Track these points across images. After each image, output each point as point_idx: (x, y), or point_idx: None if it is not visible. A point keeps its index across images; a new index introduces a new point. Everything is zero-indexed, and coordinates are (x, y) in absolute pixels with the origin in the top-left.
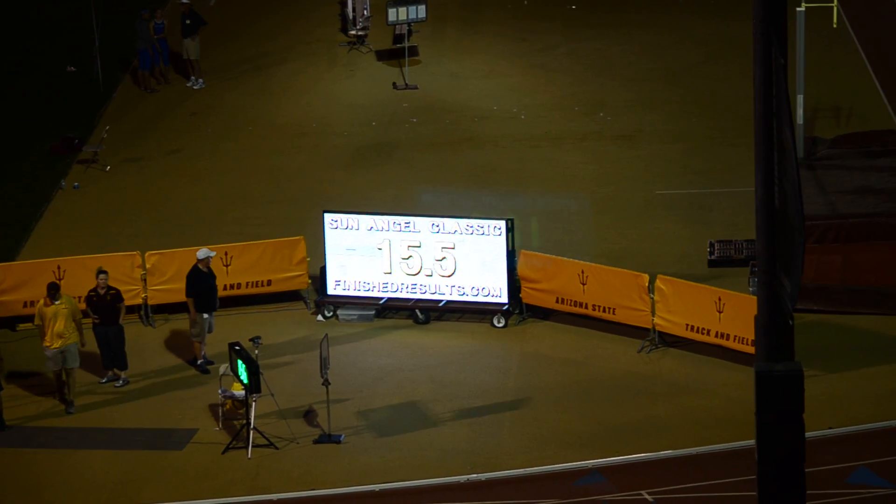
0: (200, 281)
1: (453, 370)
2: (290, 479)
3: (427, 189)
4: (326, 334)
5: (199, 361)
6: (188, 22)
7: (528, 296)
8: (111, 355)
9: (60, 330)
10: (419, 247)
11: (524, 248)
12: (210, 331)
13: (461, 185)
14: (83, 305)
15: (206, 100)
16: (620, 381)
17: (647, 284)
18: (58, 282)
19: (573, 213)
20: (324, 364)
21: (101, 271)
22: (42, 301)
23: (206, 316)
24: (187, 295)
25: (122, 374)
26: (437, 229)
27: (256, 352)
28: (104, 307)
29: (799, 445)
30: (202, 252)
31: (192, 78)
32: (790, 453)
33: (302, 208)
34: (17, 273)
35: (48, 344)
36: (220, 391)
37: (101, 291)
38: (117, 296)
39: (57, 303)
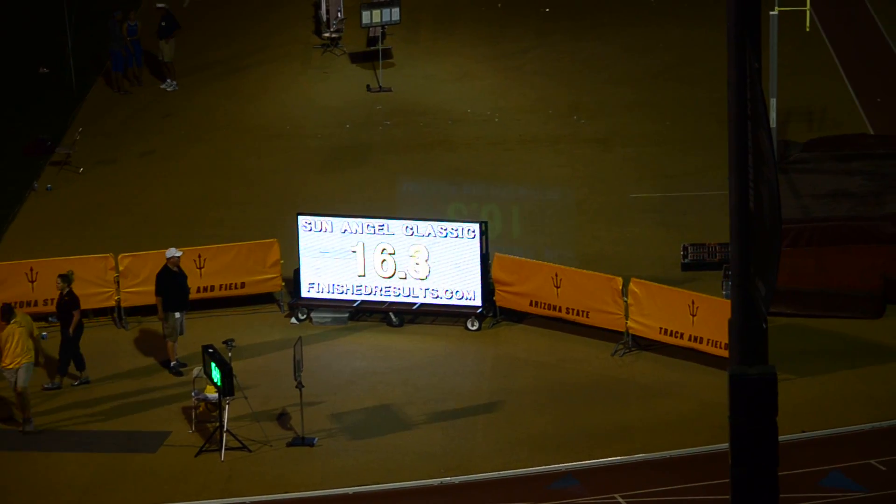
0: (169, 280)
1: (427, 373)
2: (264, 482)
3: (401, 190)
4: (300, 337)
5: (171, 363)
6: (163, 24)
7: (501, 299)
8: (73, 357)
9: (18, 350)
10: (393, 250)
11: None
12: (181, 332)
13: (435, 187)
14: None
15: (179, 102)
16: (594, 384)
17: (620, 288)
18: (11, 303)
19: (547, 215)
20: (297, 367)
21: (59, 276)
22: None
23: (177, 315)
24: (156, 294)
25: (55, 380)
26: (410, 232)
27: (230, 354)
28: (60, 312)
29: (772, 449)
30: (170, 251)
31: (168, 80)
32: (763, 456)
33: (276, 211)
34: None
35: (5, 364)
36: (193, 393)
37: (62, 297)
38: (71, 303)
39: (12, 322)
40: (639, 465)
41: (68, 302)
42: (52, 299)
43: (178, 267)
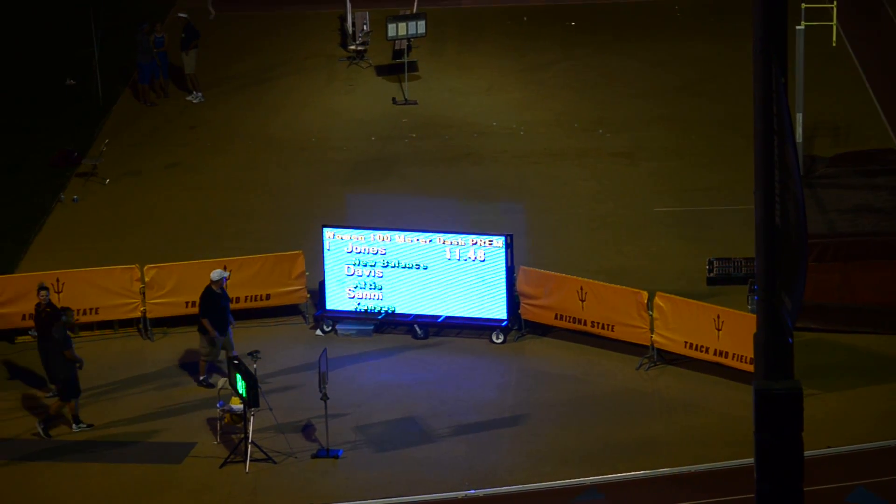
0: (214, 302)
1: (452, 386)
2: (288, 493)
3: (426, 203)
4: (325, 349)
5: (201, 378)
6: (183, 35)
7: (526, 312)
8: (50, 371)
9: None
10: (418, 262)
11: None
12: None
13: (460, 200)
14: (31, 323)
15: (205, 114)
16: (619, 398)
17: (645, 301)
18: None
19: (572, 229)
20: (322, 379)
21: (41, 287)
22: None
23: (216, 335)
24: (201, 315)
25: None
26: (436, 244)
27: (255, 366)
28: (40, 324)
29: (797, 464)
30: (216, 273)
31: (194, 92)
32: (789, 472)
33: (301, 223)
34: (16, 286)
35: None
36: (218, 405)
37: (40, 308)
38: (53, 314)
39: None
40: (663, 480)
41: (50, 314)
42: (80, 310)
43: (222, 288)
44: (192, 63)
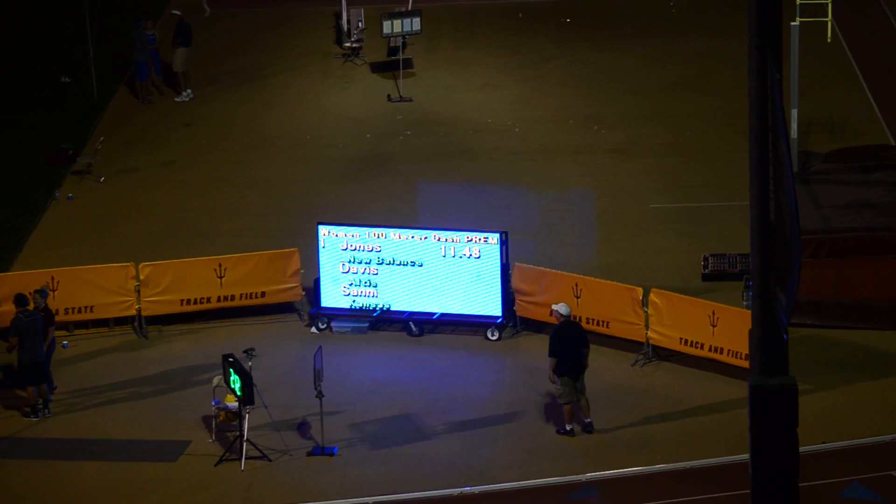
0: (566, 336)
1: (447, 383)
2: (284, 491)
3: (421, 200)
4: (320, 346)
5: (567, 427)
6: (175, 33)
7: (522, 309)
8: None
9: None
10: (413, 259)
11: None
12: (583, 392)
13: (455, 197)
14: None
15: (200, 111)
16: (614, 394)
17: (640, 298)
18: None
19: (567, 226)
20: (317, 376)
21: (36, 291)
22: None
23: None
24: (550, 354)
25: (50, 395)
26: (431, 241)
27: (250, 363)
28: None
29: (793, 460)
30: (564, 307)
31: (183, 92)
32: (784, 468)
33: (296, 220)
34: (11, 284)
35: None
36: (213, 403)
37: (38, 310)
38: (47, 319)
39: None
40: (659, 476)
41: (44, 318)
42: (74, 308)
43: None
44: (180, 61)
